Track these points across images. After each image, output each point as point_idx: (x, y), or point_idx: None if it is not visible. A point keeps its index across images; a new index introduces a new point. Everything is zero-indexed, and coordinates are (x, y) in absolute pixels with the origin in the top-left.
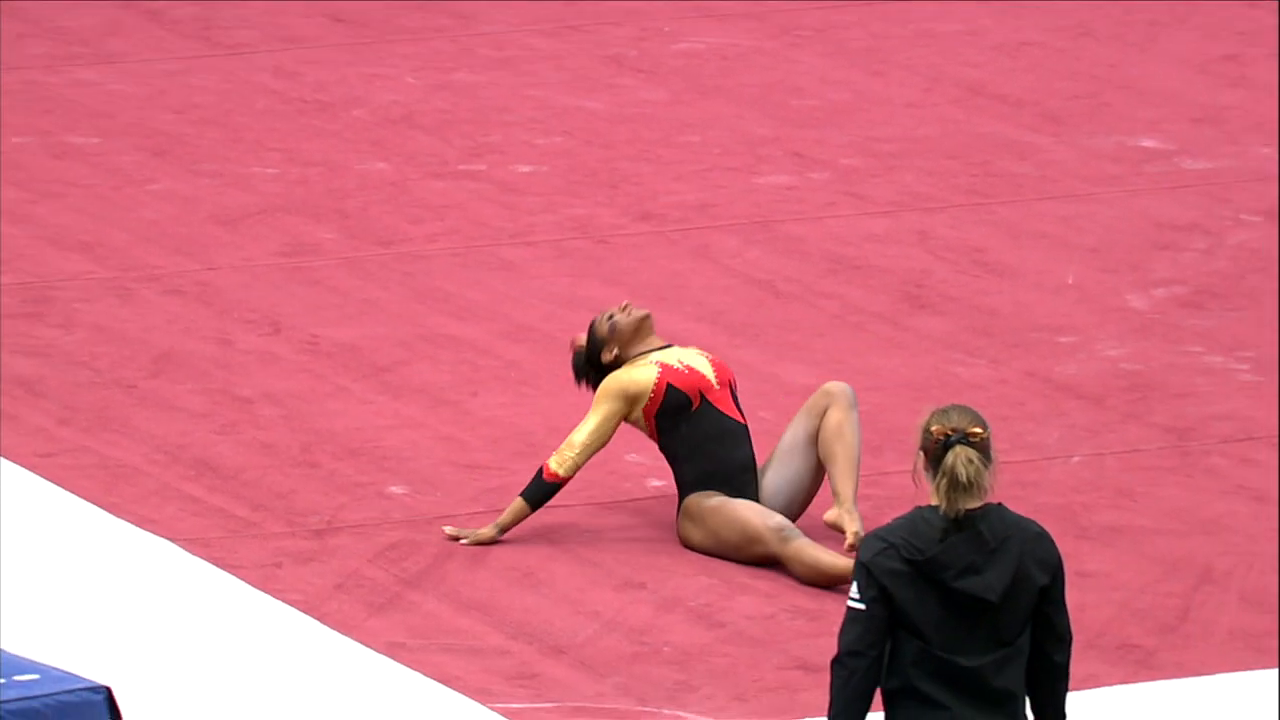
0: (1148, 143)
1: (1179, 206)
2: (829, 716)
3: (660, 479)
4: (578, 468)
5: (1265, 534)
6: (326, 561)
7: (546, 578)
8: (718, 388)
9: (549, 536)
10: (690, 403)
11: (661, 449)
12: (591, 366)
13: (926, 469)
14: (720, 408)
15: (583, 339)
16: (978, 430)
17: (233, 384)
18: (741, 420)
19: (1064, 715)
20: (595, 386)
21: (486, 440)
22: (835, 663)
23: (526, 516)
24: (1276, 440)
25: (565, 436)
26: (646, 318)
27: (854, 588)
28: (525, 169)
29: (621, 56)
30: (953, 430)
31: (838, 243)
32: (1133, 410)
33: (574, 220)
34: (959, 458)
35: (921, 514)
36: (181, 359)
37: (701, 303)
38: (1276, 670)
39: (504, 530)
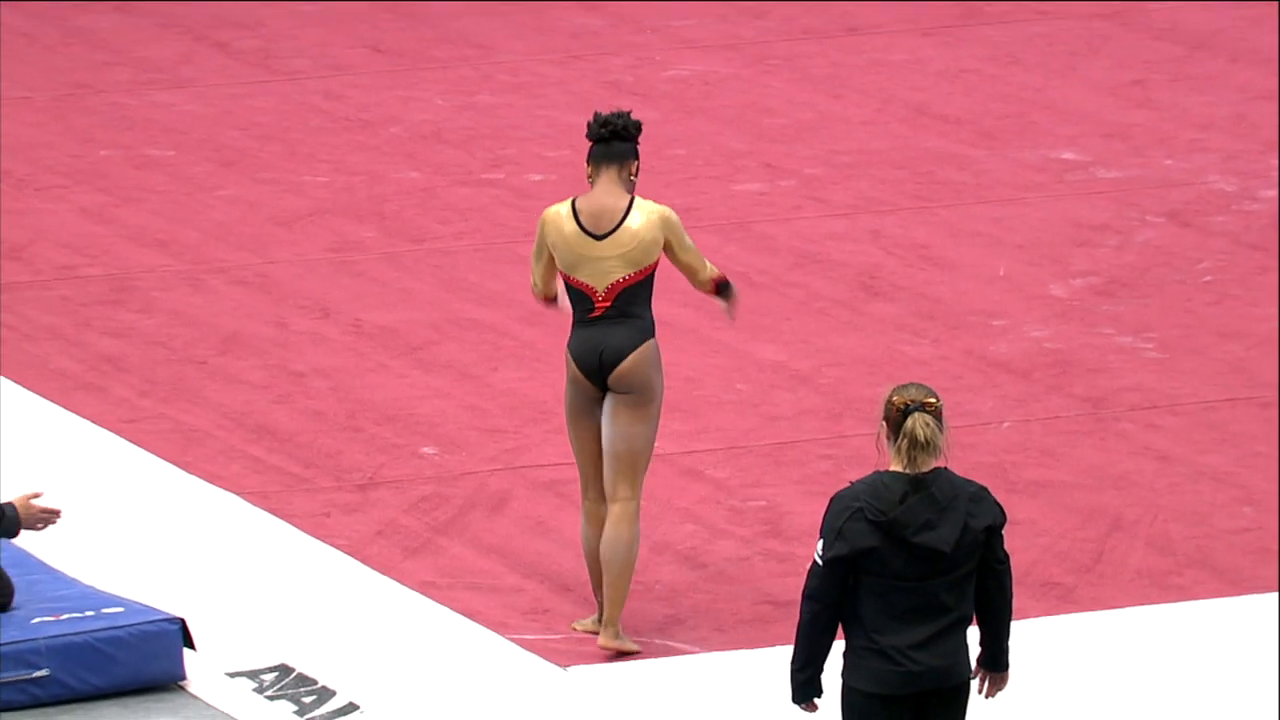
0: (1067, 155)
1: (1094, 209)
2: (796, 645)
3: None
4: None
5: (1167, 489)
6: (368, 512)
7: (556, 526)
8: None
9: (557, 490)
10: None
11: None
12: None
13: (888, 436)
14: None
15: None
16: (932, 400)
17: (288, 360)
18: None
19: (1007, 631)
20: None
21: (505, 408)
22: (804, 599)
23: None
24: (1178, 408)
25: None
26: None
27: (820, 545)
28: (537, 177)
29: (619, 82)
30: (911, 401)
31: (803, 240)
32: (1054, 383)
33: None
34: (917, 422)
35: (881, 478)
36: (245, 339)
37: (687, 291)
38: (1179, 604)
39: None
